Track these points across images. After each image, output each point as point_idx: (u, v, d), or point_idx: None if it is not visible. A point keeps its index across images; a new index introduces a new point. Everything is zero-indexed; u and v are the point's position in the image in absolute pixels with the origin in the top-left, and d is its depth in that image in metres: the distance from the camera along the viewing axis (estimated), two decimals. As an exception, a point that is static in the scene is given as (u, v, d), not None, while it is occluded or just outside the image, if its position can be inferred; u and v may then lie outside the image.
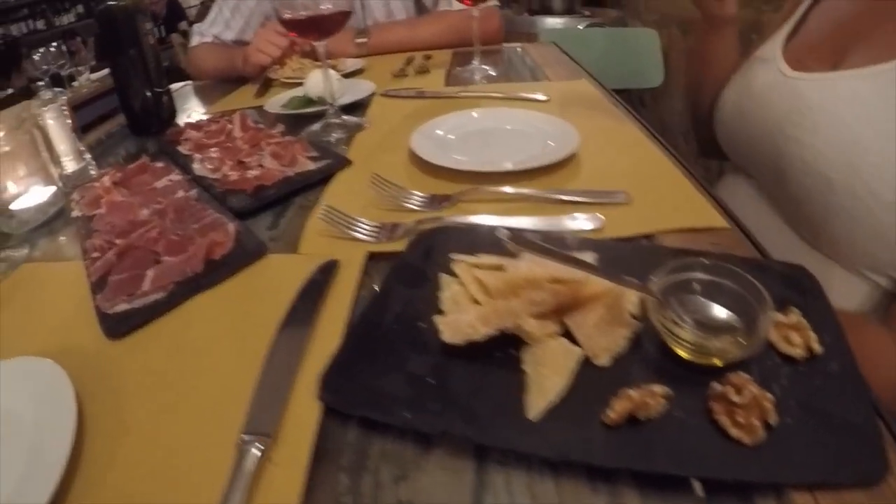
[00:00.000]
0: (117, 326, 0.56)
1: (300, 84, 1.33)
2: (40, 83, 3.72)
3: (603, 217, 0.65)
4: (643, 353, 0.45)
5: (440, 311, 0.51)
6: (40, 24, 7.75)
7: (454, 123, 0.95)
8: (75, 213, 0.87)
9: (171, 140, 1.09)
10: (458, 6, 1.58)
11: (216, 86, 1.61)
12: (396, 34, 1.65)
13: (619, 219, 0.65)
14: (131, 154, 1.15)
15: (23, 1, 7.42)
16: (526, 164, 0.77)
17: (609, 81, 1.23)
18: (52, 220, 0.90)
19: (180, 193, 0.83)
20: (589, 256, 0.54)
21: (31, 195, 0.90)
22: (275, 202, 0.80)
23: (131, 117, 1.25)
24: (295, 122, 1.11)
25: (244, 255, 0.65)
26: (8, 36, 6.89)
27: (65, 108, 1.01)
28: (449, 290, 0.53)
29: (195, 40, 1.73)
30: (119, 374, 0.51)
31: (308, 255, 0.66)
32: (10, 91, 3.68)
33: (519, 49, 1.56)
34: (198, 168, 0.91)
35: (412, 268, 0.58)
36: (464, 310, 0.49)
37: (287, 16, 0.95)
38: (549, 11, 3.00)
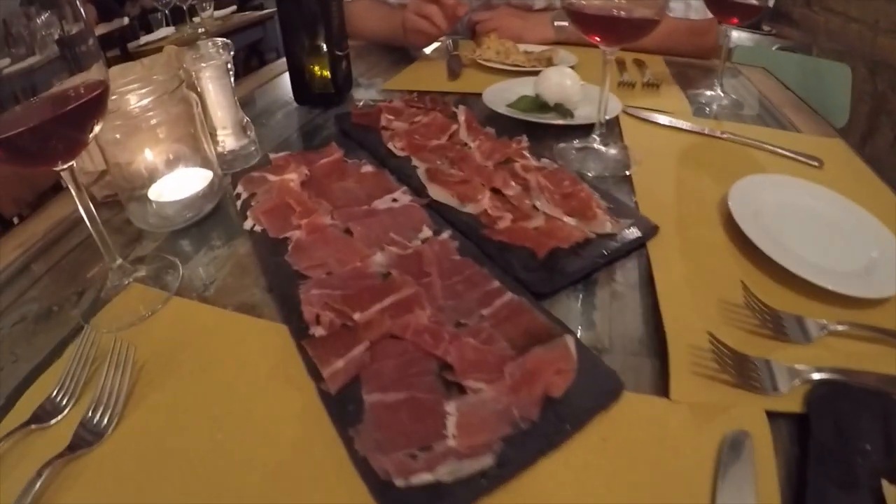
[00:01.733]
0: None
1: (500, 70, 1.08)
2: (157, 14, 3.57)
3: None
4: None
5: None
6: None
7: (772, 195, 0.64)
8: (249, 225, 0.61)
9: (362, 124, 0.82)
10: (677, 11, 1.25)
11: (375, 50, 1.35)
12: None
13: None
14: (305, 133, 0.89)
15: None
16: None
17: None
18: (205, 218, 0.66)
19: (425, 232, 0.55)
20: None
21: (181, 181, 0.65)
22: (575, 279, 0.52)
23: (299, 81, 0.98)
24: (511, 125, 0.83)
25: (595, 394, 0.38)
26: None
27: (230, 66, 0.75)
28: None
29: (351, -7, 1.45)
30: None
31: (683, 402, 0.39)
32: (125, 20, 3.53)
33: (741, 74, 1.22)
34: (435, 190, 0.63)
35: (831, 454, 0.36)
36: None
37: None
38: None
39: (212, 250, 0.60)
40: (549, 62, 1.08)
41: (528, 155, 0.71)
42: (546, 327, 0.42)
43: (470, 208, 0.61)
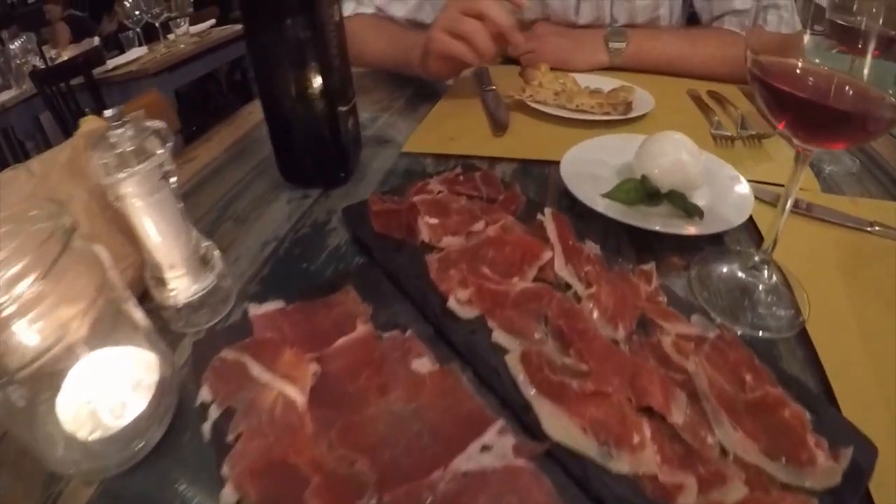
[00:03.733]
0: None
1: (556, 116, 0.79)
2: (130, 33, 3.27)
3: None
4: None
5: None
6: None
7: None
8: (231, 499, 0.32)
9: (388, 235, 0.54)
10: (772, 25, 0.95)
11: (381, 81, 1.06)
12: (667, 45, 1.03)
13: None
14: (300, 241, 0.60)
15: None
16: None
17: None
18: (160, 448, 0.39)
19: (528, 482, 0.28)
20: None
21: (104, 386, 0.38)
22: None
23: (284, 149, 0.70)
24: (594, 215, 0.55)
25: None
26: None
27: (169, 168, 0.45)
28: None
29: (349, 7, 1.14)
30: None
31: None
32: (95, 41, 3.23)
33: None
34: (552, 421, 0.36)
35: None
36: None
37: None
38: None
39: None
40: (629, 107, 0.79)
41: (665, 302, 0.43)
42: None
43: (623, 463, 0.32)
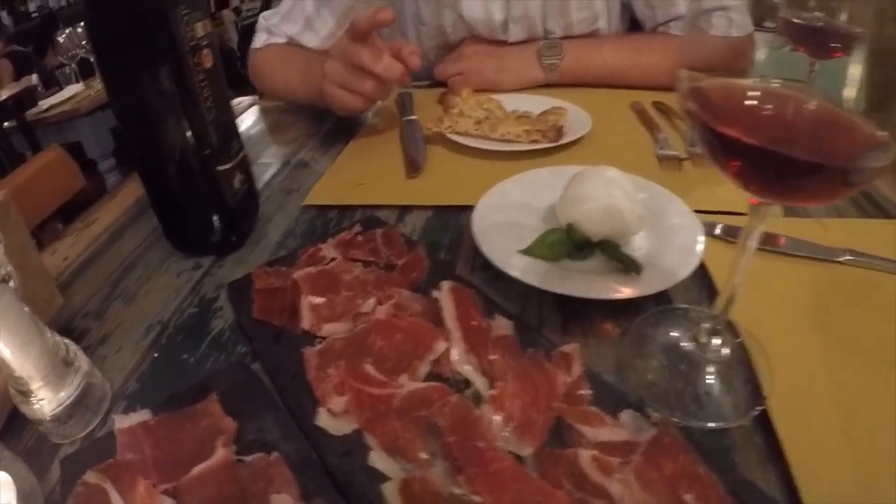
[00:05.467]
0: None
1: (488, 150, 0.71)
2: (66, 69, 3.15)
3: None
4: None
5: None
6: (78, -5, 7.28)
7: None
8: None
9: (267, 322, 0.45)
10: (720, 28, 0.88)
11: (301, 114, 0.97)
12: (607, 57, 0.96)
13: None
14: (183, 328, 0.51)
15: (61, -33, 6.94)
16: None
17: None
18: None
19: None
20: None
21: None
22: None
23: (169, 221, 0.61)
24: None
25: None
26: (44, 8, 6.44)
27: (7, 272, 0.39)
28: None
29: (261, 38, 1.06)
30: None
31: None
32: (33, 79, 3.09)
33: None
34: None
35: None
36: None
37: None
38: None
39: None
40: (559, 133, 0.72)
41: (591, 401, 0.35)
42: None
43: None
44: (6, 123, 2.53)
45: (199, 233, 0.60)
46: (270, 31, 1.04)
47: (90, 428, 0.43)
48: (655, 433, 0.34)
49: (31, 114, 2.64)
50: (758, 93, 0.32)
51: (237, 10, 5.12)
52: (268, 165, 0.81)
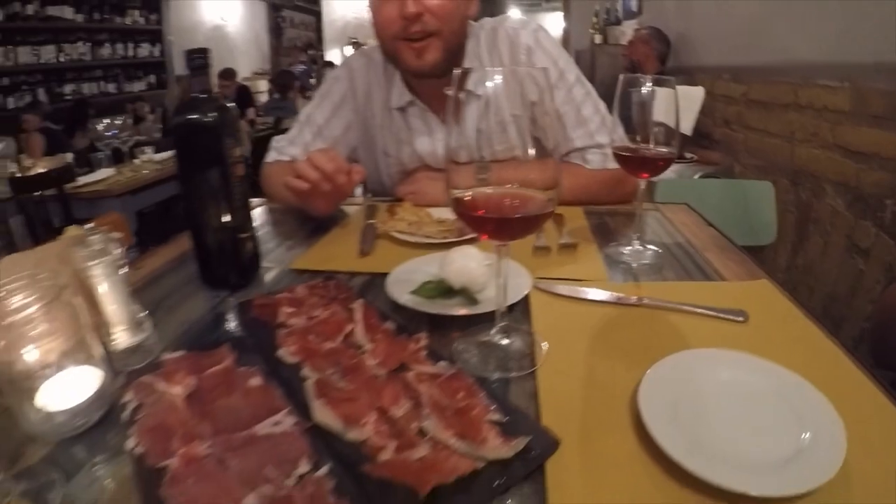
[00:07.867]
0: None
1: (415, 243, 1.07)
2: (99, 154, 3.60)
3: None
4: None
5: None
6: (111, 87, 8.00)
7: (690, 378, 0.64)
8: (131, 444, 0.58)
9: (260, 319, 0.80)
10: (595, 163, 1.32)
11: (296, 215, 1.35)
12: (526, 178, 1.38)
13: None
14: (205, 326, 0.85)
15: (99, 62, 7.70)
16: None
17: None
18: (98, 424, 0.64)
19: (302, 466, 0.54)
20: None
21: (71, 383, 0.62)
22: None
23: (204, 260, 0.97)
24: (418, 316, 0.82)
25: None
26: (78, 93, 7.07)
27: (121, 262, 0.74)
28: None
29: (272, 156, 1.50)
30: None
31: None
32: (69, 157, 3.54)
33: (663, 217, 1.28)
34: (319, 411, 0.61)
35: None
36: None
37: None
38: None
39: (98, 467, 0.58)
40: (461, 232, 1.11)
41: (425, 358, 0.70)
42: None
43: (354, 434, 0.58)
44: (45, 192, 2.95)
45: (223, 275, 0.97)
46: (280, 151, 1.48)
47: (144, 364, 0.71)
48: (454, 371, 0.68)
49: (67, 187, 3.07)
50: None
51: (252, 122, 5.83)
52: (269, 242, 1.20)
